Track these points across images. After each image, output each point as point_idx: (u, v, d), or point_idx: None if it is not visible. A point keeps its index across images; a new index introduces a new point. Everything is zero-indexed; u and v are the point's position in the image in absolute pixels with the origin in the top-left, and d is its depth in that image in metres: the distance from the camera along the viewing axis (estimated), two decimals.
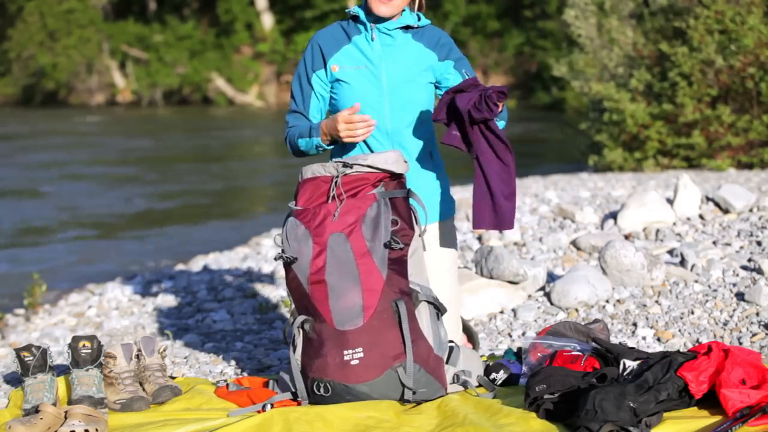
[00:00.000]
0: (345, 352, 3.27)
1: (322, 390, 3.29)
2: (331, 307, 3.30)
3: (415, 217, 3.46)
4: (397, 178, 3.46)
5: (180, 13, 34.77)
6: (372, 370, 3.26)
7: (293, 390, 3.39)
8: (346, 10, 3.70)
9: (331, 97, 3.68)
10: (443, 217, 3.71)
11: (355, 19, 3.65)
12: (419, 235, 3.46)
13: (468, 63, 3.73)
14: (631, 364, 3.28)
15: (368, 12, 3.62)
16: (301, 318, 3.36)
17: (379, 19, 3.61)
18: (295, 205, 3.45)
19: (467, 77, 3.63)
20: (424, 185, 3.63)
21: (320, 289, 3.32)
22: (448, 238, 3.72)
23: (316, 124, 3.57)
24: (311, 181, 3.46)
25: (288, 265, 3.39)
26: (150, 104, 32.87)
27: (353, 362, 3.26)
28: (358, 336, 3.27)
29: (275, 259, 3.44)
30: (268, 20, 33.36)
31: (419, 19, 3.68)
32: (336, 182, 3.42)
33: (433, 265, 3.63)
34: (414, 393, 3.28)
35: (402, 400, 3.30)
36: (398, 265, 3.35)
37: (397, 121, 3.61)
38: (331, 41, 3.65)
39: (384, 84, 3.59)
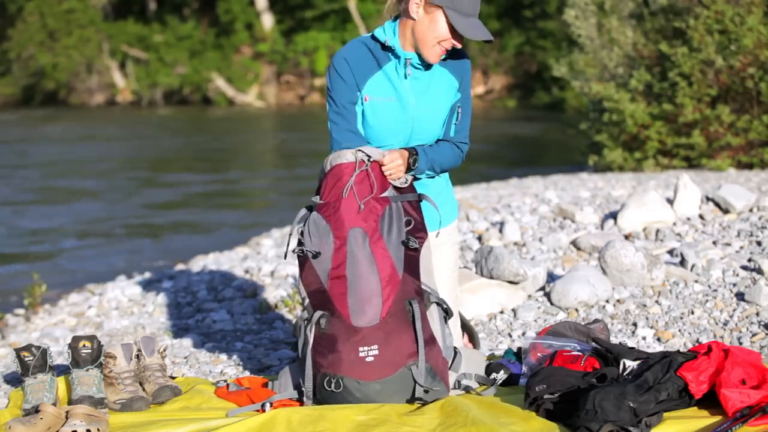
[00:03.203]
0: (360, 349, 3.26)
1: (333, 386, 3.27)
2: (349, 303, 3.29)
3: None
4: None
5: (180, 13, 34.79)
6: (386, 367, 3.26)
7: (296, 387, 3.39)
8: (375, 33, 3.53)
9: None
10: (447, 222, 3.74)
11: (386, 46, 3.53)
12: (435, 236, 3.50)
13: (468, 102, 3.67)
14: (631, 364, 3.27)
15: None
16: (318, 313, 3.32)
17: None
18: (320, 199, 3.43)
19: (455, 122, 3.60)
20: (430, 193, 3.63)
21: (340, 284, 3.31)
22: (450, 241, 3.75)
23: None
24: (332, 172, 3.43)
25: (306, 260, 3.37)
26: (150, 104, 32.88)
27: (368, 359, 3.25)
28: (374, 333, 3.27)
29: (293, 251, 3.41)
30: (268, 20, 33.37)
31: None
32: (365, 168, 3.39)
33: (436, 266, 3.64)
34: (426, 392, 3.28)
35: (412, 399, 3.29)
36: (412, 266, 3.37)
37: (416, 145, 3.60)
38: (361, 67, 3.52)
39: (411, 116, 3.55)
